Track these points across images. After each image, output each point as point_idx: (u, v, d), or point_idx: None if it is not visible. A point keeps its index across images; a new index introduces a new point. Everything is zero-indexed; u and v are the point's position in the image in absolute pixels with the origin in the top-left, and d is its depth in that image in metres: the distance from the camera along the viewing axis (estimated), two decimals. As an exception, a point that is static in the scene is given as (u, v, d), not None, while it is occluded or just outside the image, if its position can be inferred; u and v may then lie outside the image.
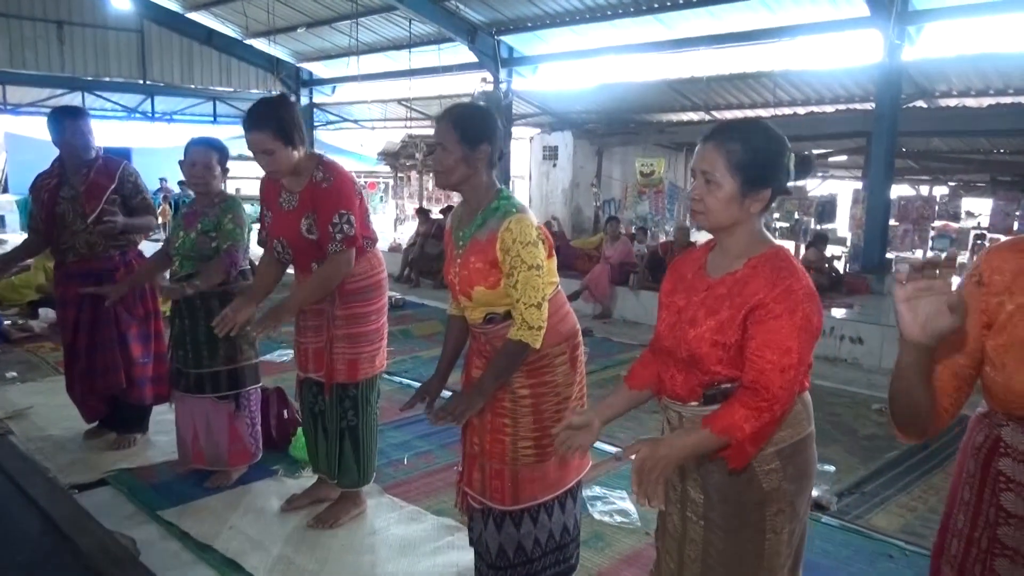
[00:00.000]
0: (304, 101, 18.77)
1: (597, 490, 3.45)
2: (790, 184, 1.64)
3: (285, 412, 3.87)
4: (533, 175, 15.38)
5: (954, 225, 12.14)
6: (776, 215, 12.48)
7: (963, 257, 11.24)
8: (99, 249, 3.63)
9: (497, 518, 2.27)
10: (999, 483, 1.33)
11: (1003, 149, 12.75)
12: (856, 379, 6.21)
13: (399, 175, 17.90)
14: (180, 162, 3.31)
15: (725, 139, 1.57)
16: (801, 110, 12.26)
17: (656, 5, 10.75)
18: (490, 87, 13.78)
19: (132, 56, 17.10)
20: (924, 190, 14.15)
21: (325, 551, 2.86)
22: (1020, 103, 10.05)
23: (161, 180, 18.19)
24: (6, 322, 6.42)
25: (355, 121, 20.17)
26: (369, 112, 19.42)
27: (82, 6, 16.14)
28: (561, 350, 2.24)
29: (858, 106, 11.46)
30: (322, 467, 3.11)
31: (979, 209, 13.79)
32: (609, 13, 11.38)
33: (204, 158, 3.26)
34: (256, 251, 3.07)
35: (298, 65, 18.65)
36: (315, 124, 19.48)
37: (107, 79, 16.90)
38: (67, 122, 3.56)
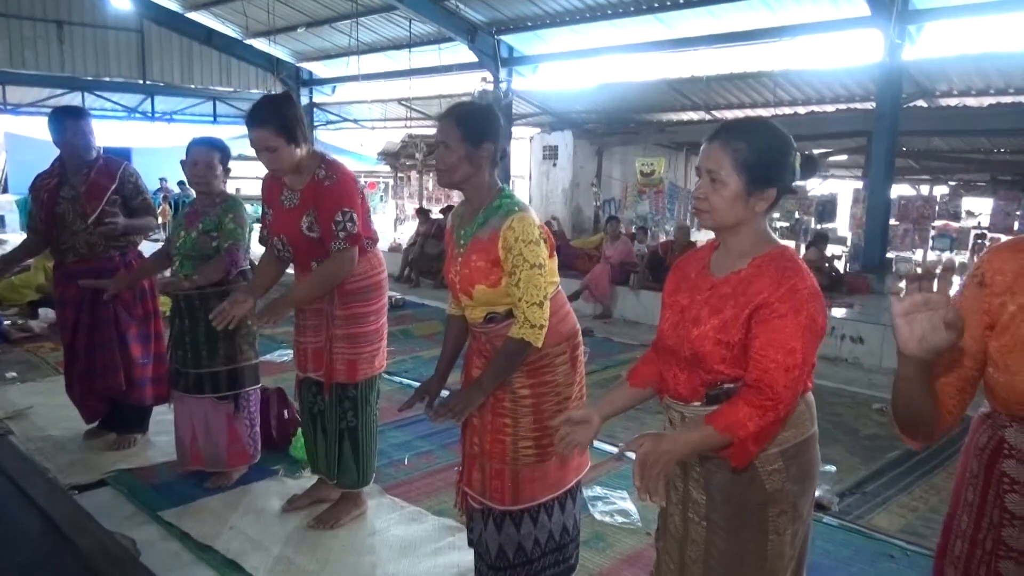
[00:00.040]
0: (304, 101, 18.74)
1: (598, 490, 3.45)
2: (795, 184, 1.64)
3: (285, 412, 3.86)
4: (533, 175, 15.36)
5: (954, 225, 12.09)
6: (776, 214, 12.44)
7: (963, 257, 11.24)
8: (99, 249, 3.63)
9: (497, 518, 2.26)
10: (1003, 485, 1.33)
11: (1004, 149, 12.75)
12: (857, 379, 6.20)
13: (399, 175, 17.87)
14: (182, 161, 3.30)
15: (731, 138, 1.57)
16: (801, 110, 12.25)
17: (656, 5, 10.74)
18: (490, 87, 13.77)
19: (132, 56, 17.09)
20: (924, 189, 14.12)
21: (326, 552, 2.86)
22: (1021, 102, 10.04)
23: (161, 180, 18.19)
24: (6, 322, 6.42)
25: (355, 121, 20.16)
26: (369, 112, 19.41)
27: (82, 6, 16.13)
28: (561, 350, 2.23)
29: (859, 105, 11.46)
30: (321, 467, 3.10)
31: (979, 209, 13.75)
32: (609, 12, 11.37)
33: (206, 157, 3.25)
34: (257, 251, 3.06)
35: (298, 65, 18.64)
36: (315, 124, 19.47)
37: (107, 79, 16.89)
38: (69, 122, 3.56)
